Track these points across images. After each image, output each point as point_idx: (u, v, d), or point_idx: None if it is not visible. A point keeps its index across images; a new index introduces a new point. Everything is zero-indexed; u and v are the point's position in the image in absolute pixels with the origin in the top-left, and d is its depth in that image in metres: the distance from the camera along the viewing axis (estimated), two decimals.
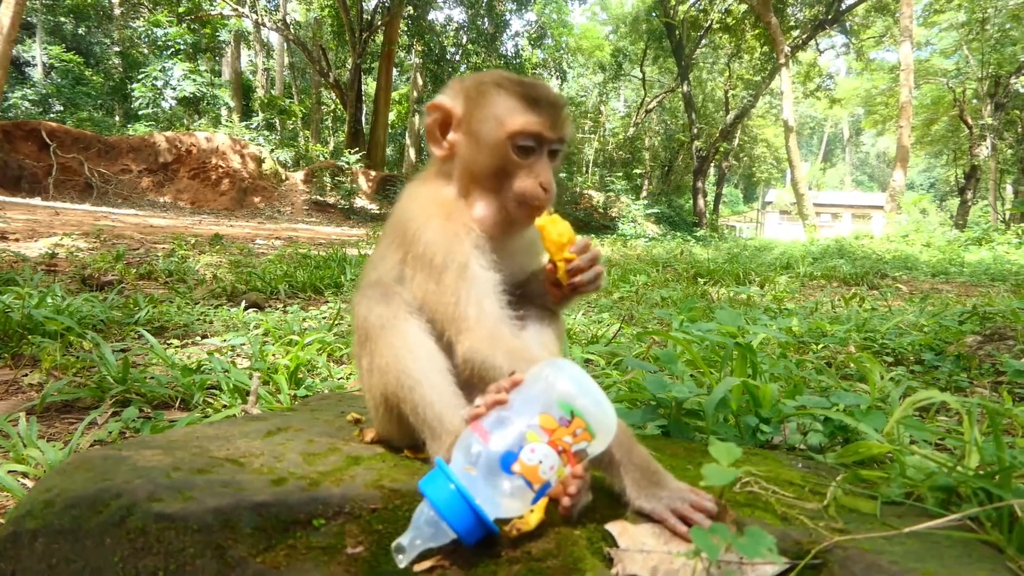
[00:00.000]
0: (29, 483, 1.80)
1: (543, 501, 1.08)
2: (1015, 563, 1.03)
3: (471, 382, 1.29)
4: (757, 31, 31.30)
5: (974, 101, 30.67)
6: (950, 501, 1.25)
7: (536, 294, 1.51)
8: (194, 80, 24.64)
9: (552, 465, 1.03)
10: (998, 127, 28.96)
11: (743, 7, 30.75)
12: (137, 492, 1.04)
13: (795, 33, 29.99)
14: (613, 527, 1.10)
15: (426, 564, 1.01)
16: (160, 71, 24.46)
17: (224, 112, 28.23)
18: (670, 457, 1.46)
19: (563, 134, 1.41)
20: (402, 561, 0.98)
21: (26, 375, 2.86)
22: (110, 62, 32.54)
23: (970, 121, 29.38)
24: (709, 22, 32.78)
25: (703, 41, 35.36)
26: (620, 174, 34.98)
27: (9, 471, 1.78)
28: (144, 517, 1.01)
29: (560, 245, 1.37)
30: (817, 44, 32.56)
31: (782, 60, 25.84)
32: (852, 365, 3.12)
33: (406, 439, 1.36)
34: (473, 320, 1.28)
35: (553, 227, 1.37)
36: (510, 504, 1.02)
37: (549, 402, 1.05)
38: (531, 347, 1.38)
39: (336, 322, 4.07)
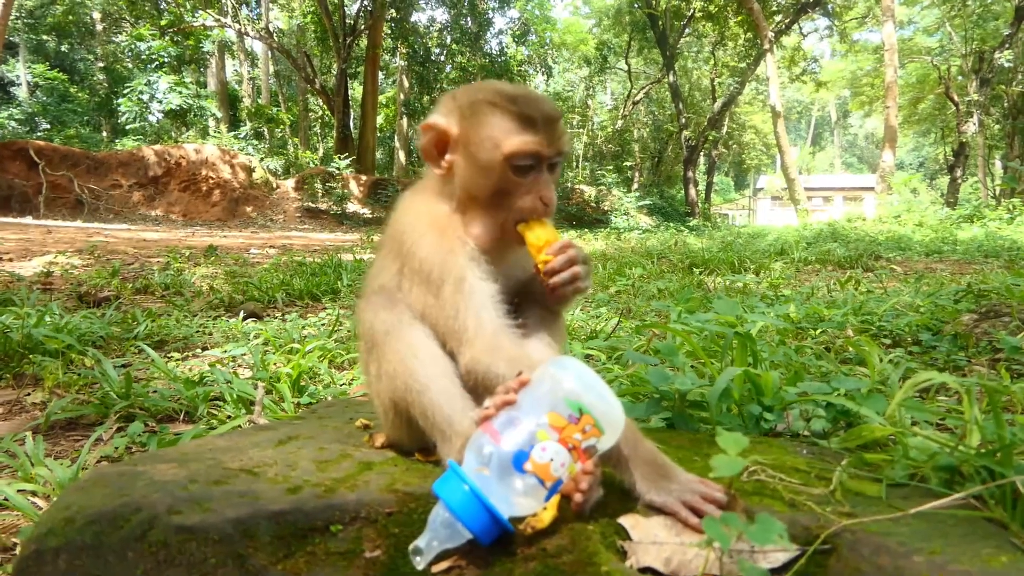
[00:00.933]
0: (39, 502, 1.81)
1: (555, 498, 1.09)
2: (1019, 539, 1.05)
3: (476, 390, 1.31)
4: (740, 18, 31.28)
5: (959, 78, 30.75)
6: (953, 481, 1.26)
7: (538, 294, 1.53)
8: (180, 92, 24.54)
9: (563, 462, 1.04)
10: (984, 103, 29.03)
11: None
12: (157, 505, 1.06)
13: (778, 18, 30.03)
14: (626, 520, 1.11)
15: (443, 565, 1.02)
16: (145, 85, 24.35)
17: (212, 123, 28.12)
18: (676, 449, 1.47)
19: (560, 148, 1.40)
20: (420, 563, 0.99)
21: (29, 394, 2.86)
22: (95, 78, 32.46)
23: (956, 98, 29.44)
24: (692, 11, 32.75)
25: (687, 30, 35.37)
26: (610, 167, 35.04)
27: (18, 490, 1.78)
28: (165, 530, 1.02)
29: (539, 248, 1.37)
30: (800, 28, 32.63)
31: (766, 45, 25.88)
32: (851, 349, 3.14)
33: (416, 443, 1.38)
34: (472, 332, 1.29)
35: (531, 232, 1.38)
36: (523, 502, 1.04)
37: (557, 400, 1.07)
38: (532, 354, 1.38)
39: (335, 328, 4.08)
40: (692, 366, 2.44)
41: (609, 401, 1.09)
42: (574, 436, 1.06)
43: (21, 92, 33.55)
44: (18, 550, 1.57)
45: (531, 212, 1.38)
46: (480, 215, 1.42)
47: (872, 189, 27.51)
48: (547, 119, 1.37)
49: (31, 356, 3.22)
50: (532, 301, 1.53)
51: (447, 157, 1.42)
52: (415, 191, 1.53)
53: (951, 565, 0.93)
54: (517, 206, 1.38)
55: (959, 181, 29.61)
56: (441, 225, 1.40)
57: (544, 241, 1.37)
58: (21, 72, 34.20)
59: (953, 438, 1.38)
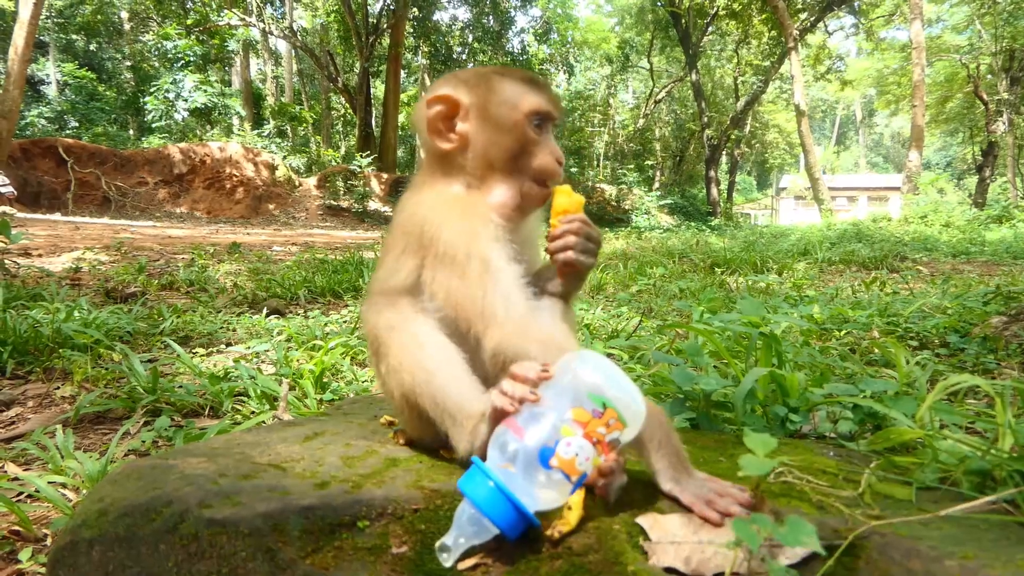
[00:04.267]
0: (69, 494, 1.84)
1: (580, 495, 1.09)
2: None
3: (500, 376, 1.28)
4: (764, 15, 30.99)
5: (989, 76, 30.19)
6: (985, 485, 1.24)
7: (546, 283, 1.53)
8: (205, 91, 24.86)
9: (588, 456, 1.05)
10: (1014, 102, 28.51)
11: None
12: (188, 499, 1.07)
13: (803, 16, 29.68)
14: (644, 520, 1.11)
15: (469, 562, 1.03)
16: (171, 83, 24.71)
17: (236, 121, 28.43)
18: (701, 449, 1.47)
19: (560, 112, 1.50)
20: (447, 560, 1.00)
21: (58, 388, 2.91)
22: (122, 77, 32.99)
23: (985, 97, 28.92)
24: (715, 8, 32.51)
25: (710, 28, 35.09)
26: (631, 166, 34.92)
27: (49, 482, 1.82)
28: (196, 523, 1.04)
29: (557, 213, 1.42)
30: (826, 26, 32.23)
31: (791, 44, 25.60)
32: (876, 351, 3.10)
33: (438, 437, 1.37)
34: (502, 314, 1.28)
35: (562, 197, 1.42)
36: (549, 496, 1.04)
37: (580, 395, 1.07)
38: (559, 334, 1.36)
39: (357, 325, 4.10)
40: (715, 366, 2.43)
41: (631, 393, 1.09)
42: (598, 430, 1.06)
43: (51, 90, 34.11)
44: (49, 541, 1.61)
45: (548, 169, 1.43)
46: (498, 182, 1.43)
47: (898, 189, 27.14)
48: (547, 86, 1.49)
49: (61, 350, 3.27)
50: (543, 290, 1.53)
51: (459, 128, 1.42)
52: (419, 186, 1.51)
53: (984, 570, 0.92)
54: (535, 165, 1.43)
55: (988, 181, 29.10)
56: (461, 206, 1.40)
57: (563, 210, 1.41)
58: (51, 71, 34.78)
59: (984, 442, 1.36)
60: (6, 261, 5.79)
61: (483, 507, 1.00)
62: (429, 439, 1.40)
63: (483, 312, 1.29)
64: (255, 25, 28.62)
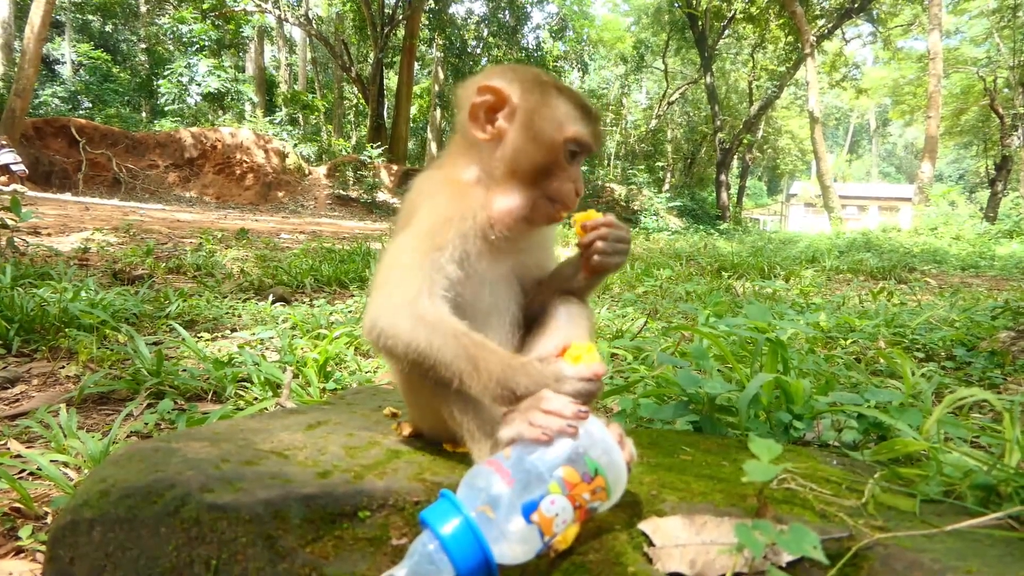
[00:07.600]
0: (71, 473, 1.84)
1: (577, 515, 1.06)
2: None
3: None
4: (782, 20, 30.83)
5: (1005, 90, 29.93)
6: (990, 500, 1.24)
7: (559, 282, 1.52)
8: (218, 76, 24.95)
9: (565, 520, 1.01)
10: None
11: None
12: (190, 483, 1.07)
13: (820, 22, 29.51)
14: (646, 526, 1.10)
15: None
16: (185, 67, 24.79)
17: (248, 107, 28.48)
18: (704, 453, 1.46)
19: (599, 148, 1.48)
20: None
21: (63, 367, 2.92)
22: (136, 59, 33.06)
23: (1001, 111, 28.68)
24: (732, 12, 32.33)
25: (726, 31, 34.91)
26: (642, 167, 34.82)
27: (51, 460, 1.82)
28: (197, 507, 1.04)
29: (579, 221, 1.45)
30: (843, 33, 32.00)
31: (807, 50, 25.50)
32: (882, 361, 3.09)
33: (444, 433, 1.37)
34: (408, 290, 1.22)
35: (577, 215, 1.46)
36: (517, 550, 0.98)
37: (576, 454, 1.04)
38: (454, 320, 1.25)
39: (362, 315, 4.11)
40: (720, 370, 2.42)
41: (621, 469, 1.07)
42: (583, 495, 1.02)
43: (65, 70, 34.22)
44: (49, 519, 1.61)
45: (565, 196, 1.39)
46: (514, 189, 1.39)
47: (909, 200, 27.05)
48: (597, 118, 1.44)
49: (67, 330, 3.28)
50: (555, 295, 1.51)
51: (498, 124, 1.39)
52: (434, 168, 1.52)
53: None
54: (554, 187, 1.39)
55: (1000, 195, 28.89)
56: (458, 190, 1.38)
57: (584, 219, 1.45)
58: (66, 51, 34.91)
59: (990, 457, 1.35)
60: (15, 239, 5.81)
61: (449, 545, 0.93)
62: (437, 434, 1.39)
63: (387, 277, 1.26)
64: (270, 12, 28.65)
